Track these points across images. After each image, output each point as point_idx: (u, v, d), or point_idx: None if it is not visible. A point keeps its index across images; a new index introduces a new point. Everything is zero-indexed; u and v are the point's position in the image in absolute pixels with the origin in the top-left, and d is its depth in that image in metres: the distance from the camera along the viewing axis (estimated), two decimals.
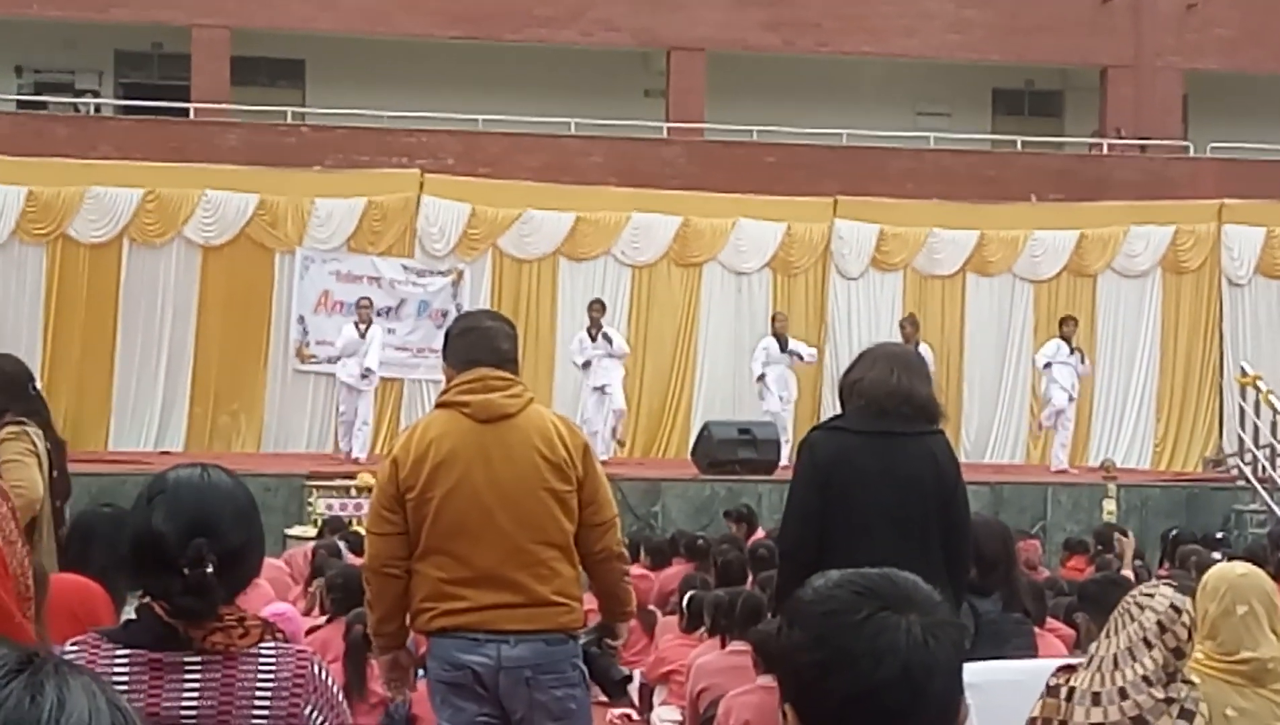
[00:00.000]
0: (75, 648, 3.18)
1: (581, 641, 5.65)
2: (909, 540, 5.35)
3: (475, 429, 5.54)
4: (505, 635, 5.44)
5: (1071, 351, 20.56)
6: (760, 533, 14.47)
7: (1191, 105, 27.09)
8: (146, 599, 3.23)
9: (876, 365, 5.69)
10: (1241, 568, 5.33)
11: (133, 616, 3.28)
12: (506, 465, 5.50)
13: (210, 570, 3.11)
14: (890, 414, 5.58)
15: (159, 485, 3.25)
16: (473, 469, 5.48)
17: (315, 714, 3.18)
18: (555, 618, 5.50)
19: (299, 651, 3.23)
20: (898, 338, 19.48)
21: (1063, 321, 21.05)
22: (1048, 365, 20.59)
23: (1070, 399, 20.55)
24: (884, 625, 2.16)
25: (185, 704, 3.10)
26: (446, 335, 5.88)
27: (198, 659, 3.13)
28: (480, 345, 5.67)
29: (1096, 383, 22.68)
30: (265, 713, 3.13)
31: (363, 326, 19.63)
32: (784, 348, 20.46)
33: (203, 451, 20.23)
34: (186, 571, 3.11)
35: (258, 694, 3.14)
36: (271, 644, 3.19)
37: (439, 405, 5.73)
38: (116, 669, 3.11)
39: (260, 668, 3.15)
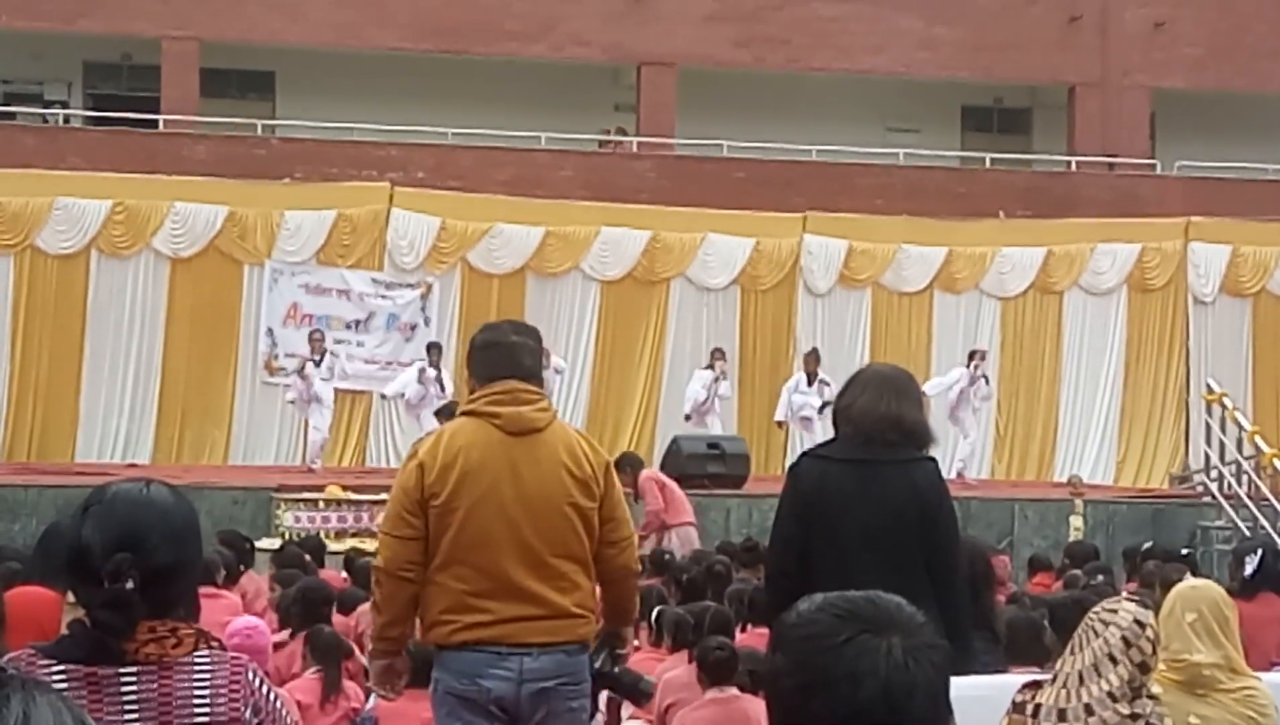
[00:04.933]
0: (9, 663, 3.11)
1: (592, 653, 5.71)
2: (889, 567, 5.37)
3: (505, 441, 5.54)
4: (528, 648, 5.47)
5: (973, 381, 20.79)
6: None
7: (1159, 123, 27.24)
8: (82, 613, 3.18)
9: (867, 391, 5.69)
10: (1195, 581, 5.69)
11: (65, 632, 3.22)
12: (534, 480, 5.52)
13: (130, 586, 3.05)
14: (875, 441, 5.60)
15: (97, 496, 3.18)
16: (500, 481, 5.49)
17: (254, 717, 3.15)
18: (575, 629, 5.55)
19: (233, 658, 3.20)
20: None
21: (970, 355, 21.26)
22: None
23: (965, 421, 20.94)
24: (864, 648, 2.17)
25: (126, 718, 3.07)
26: (471, 346, 5.86)
27: (133, 671, 3.08)
28: (504, 362, 5.66)
29: (1062, 399, 22.75)
30: (205, 719, 3.10)
31: (316, 357, 19.73)
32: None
33: (170, 463, 20.15)
34: (106, 584, 3.06)
35: (196, 703, 3.10)
36: (206, 652, 3.15)
37: (465, 413, 5.71)
38: (54, 684, 3.02)
39: (195, 676, 3.11)
